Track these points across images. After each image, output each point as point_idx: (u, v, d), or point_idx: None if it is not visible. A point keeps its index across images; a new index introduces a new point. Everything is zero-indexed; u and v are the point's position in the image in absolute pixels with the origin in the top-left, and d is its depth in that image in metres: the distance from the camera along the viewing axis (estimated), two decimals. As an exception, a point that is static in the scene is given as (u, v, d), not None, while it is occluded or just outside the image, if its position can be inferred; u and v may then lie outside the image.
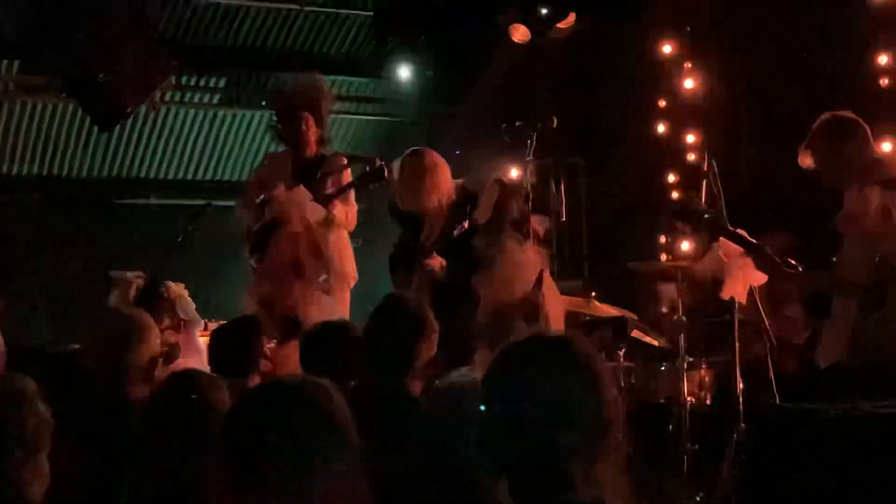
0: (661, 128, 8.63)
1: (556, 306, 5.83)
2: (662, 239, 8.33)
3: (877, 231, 4.81)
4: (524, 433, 2.12)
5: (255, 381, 4.32)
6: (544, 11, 8.79)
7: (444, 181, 6.34)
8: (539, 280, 5.73)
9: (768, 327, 6.15)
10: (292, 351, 5.49)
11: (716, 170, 6.84)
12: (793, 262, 5.21)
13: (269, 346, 4.89)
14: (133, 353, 3.68)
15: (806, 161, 5.13)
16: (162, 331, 4.46)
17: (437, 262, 6.20)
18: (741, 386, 6.06)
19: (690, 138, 8.35)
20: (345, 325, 4.55)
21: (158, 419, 2.84)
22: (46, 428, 2.45)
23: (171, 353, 4.64)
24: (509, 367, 2.21)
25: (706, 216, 5.60)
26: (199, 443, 2.48)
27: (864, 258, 4.82)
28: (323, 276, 6.84)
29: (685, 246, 8.01)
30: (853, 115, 5.17)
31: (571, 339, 2.26)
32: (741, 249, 5.39)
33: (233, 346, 4.33)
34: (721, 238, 5.99)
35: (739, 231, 5.43)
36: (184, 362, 4.81)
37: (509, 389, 2.17)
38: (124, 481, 2.82)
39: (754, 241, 5.31)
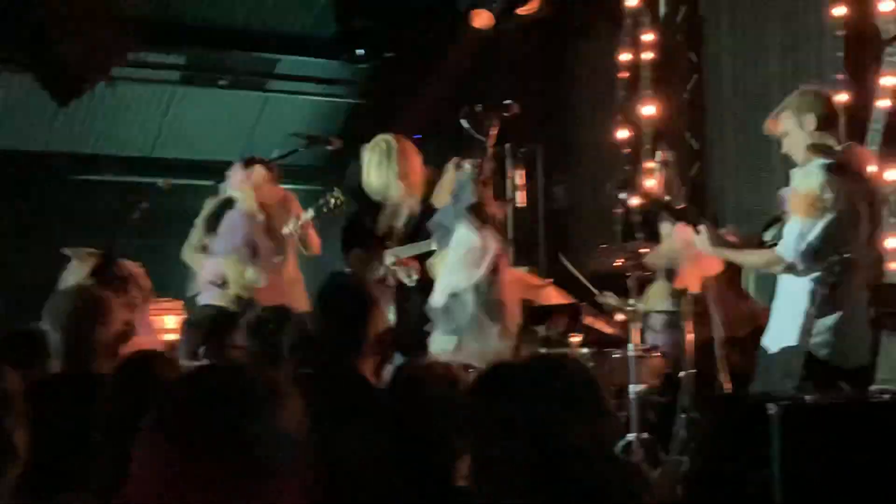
0: (619, 117, 8.66)
1: (511, 292, 5.86)
2: (618, 228, 8.39)
3: (813, 214, 4.85)
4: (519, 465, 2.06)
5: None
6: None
7: (414, 171, 6.34)
8: (495, 265, 5.76)
9: (718, 316, 6.23)
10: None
11: (671, 160, 6.92)
12: (731, 238, 5.28)
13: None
14: (99, 330, 3.67)
15: (774, 128, 5.17)
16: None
17: (414, 265, 6.21)
18: (691, 374, 6.13)
19: (648, 128, 8.40)
20: (285, 308, 4.53)
21: (116, 400, 2.84)
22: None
23: (127, 331, 4.61)
24: (503, 391, 2.13)
25: (650, 188, 5.70)
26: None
27: (799, 238, 4.88)
28: (278, 257, 6.83)
29: (640, 235, 8.06)
30: (826, 92, 5.22)
31: (569, 361, 2.23)
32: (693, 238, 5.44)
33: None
34: (676, 228, 6.06)
35: (683, 206, 5.50)
36: (138, 341, 4.78)
37: (503, 418, 2.09)
38: (90, 458, 2.82)
39: (693, 214, 5.37)
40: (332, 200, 6.61)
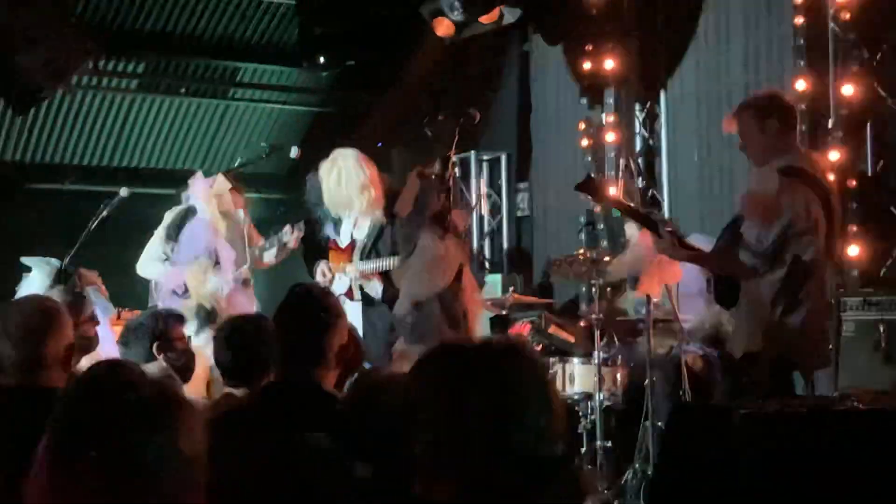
0: (582, 125, 8.67)
1: (474, 300, 5.85)
2: (582, 235, 8.40)
3: (769, 216, 4.87)
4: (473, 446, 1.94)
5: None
6: (458, 6, 8.77)
7: (373, 183, 6.32)
8: (458, 274, 5.75)
9: (681, 324, 6.24)
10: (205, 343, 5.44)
11: (633, 168, 6.94)
12: (691, 243, 5.28)
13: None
14: (50, 342, 3.61)
15: (731, 127, 5.18)
16: (81, 322, 4.37)
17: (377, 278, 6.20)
18: (653, 383, 6.12)
19: (610, 137, 8.41)
20: (259, 318, 4.49)
21: (81, 408, 2.78)
22: None
23: (88, 345, 4.56)
24: (451, 375, 2.01)
25: (609, 190, 5.71)
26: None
27: (756, 241, 4.89)
28: (239, 266, 6.78)
29: (604, 243, 8.08)
30: (787, 99, 5.25)
31: (521, 346, 2.09)
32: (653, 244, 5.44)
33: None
34: (639, 235, 6.08)
35: (637, 208, 5.51)
36: (98, 353, 4.72)
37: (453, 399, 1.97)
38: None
39: (654, 219, 5.36)
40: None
